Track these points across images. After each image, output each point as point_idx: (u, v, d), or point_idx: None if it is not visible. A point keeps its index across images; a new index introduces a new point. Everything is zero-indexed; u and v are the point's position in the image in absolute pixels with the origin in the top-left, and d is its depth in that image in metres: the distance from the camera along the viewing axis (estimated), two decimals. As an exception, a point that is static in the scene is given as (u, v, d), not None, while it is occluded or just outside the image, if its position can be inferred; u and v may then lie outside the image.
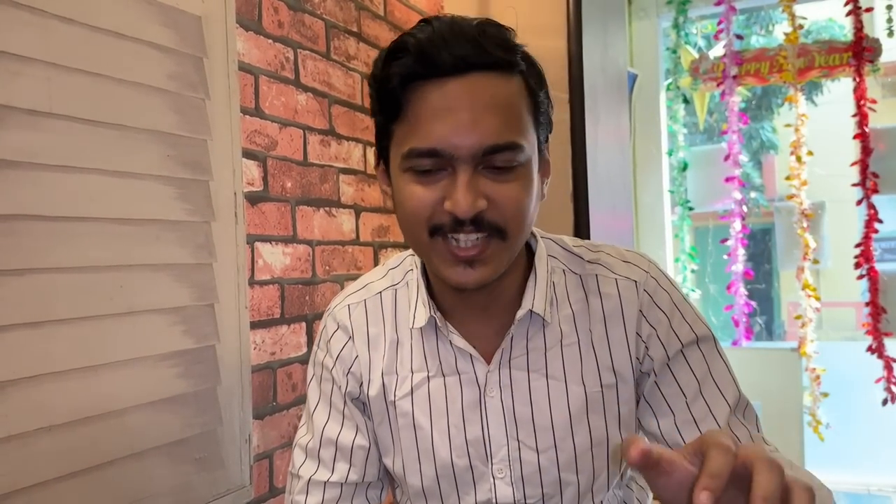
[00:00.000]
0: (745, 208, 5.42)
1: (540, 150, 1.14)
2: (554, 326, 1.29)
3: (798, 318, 5.29)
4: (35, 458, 1.45)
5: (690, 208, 5.53)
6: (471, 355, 1.29)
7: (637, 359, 1.28)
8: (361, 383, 1.37)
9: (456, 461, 1.31)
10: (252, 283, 2.05)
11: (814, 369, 5.36)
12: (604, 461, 1.30)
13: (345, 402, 1.37)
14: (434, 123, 1.03)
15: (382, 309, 1.39)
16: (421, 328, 1.32)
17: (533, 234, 1.34)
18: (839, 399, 5.55)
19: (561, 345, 1.28)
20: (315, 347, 1.44)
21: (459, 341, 1.29)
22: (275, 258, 2.15)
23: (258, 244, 2.09)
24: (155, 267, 1.73)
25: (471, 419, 1.30)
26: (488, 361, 1.29)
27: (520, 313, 1.25)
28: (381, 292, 1.40)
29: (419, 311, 1.32)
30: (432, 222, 1.12)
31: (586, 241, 1.40)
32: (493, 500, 1.30)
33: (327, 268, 2.39)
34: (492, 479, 1.30)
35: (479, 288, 1.18)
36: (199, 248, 1.84)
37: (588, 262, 1.34)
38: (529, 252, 1.34)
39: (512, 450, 1.29)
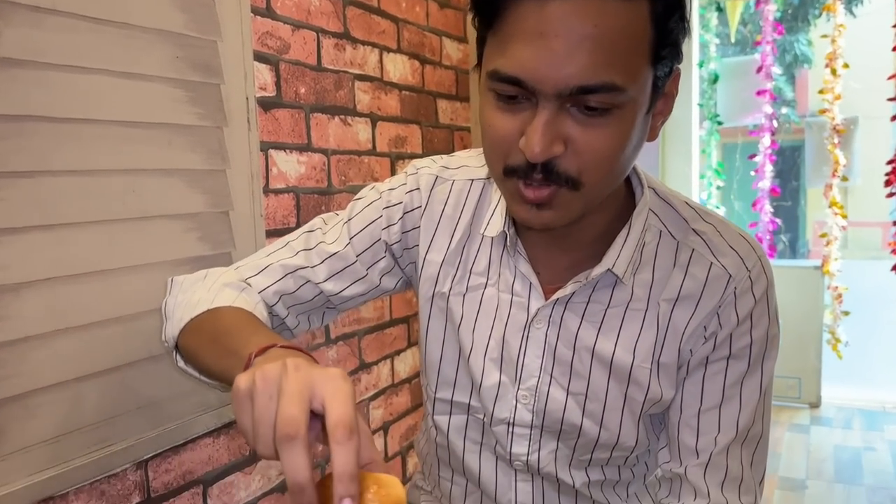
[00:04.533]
0: (775, 123, 5.27)
1: (656, 87, 0.99)
2: (627, 287, 1.22)
3: (823, 236, 5.22)
4: (53, 359, 1.47)
5: (719, 122, 5.38)
6: (530, 283, 1.25)
7: (689, 350, 1.23)
8: (410, 254, 1.35)
9: (486, 373, 1.31)
10: (267, 191, 2.03)
11: (836, 288, 5.32)
12: (631, 431, 1.27)
13: (371, 244, 1.34)
14: (523, 48, 0.90)
15: (467, 198, 1.33)
16: (492, 237, 1.29)
17: (640, 180, 1.24)
18: (859, 318, 5.51)
19: (626, 307, 1.22)
20: (382, 185, 1.39)
21: (524, 266, 1.25)
22: (289, 166, 2.12)
23: (272, 152, 2.05)
24: (167, 172, 1.70)
25: (511, 341, 1.29)
26: (547, 294, 1.25)
27: (597, 270, 1.19)
28: (472, 181, 1.33)
29: (495, 219, 1.27)
30: (507, 163, 1.04)
31: (700, 205, 1.29)
32: (511, 420, 1.30)
33: (343, 178, 2.36)
34: (514, 402, 1.29)
35: (545, 230, 1.13)
36: (212, 153, 1.81)
37: (693, 230, 1.23)
38: (631, 198, 1.24)
39: (542, 382, 1.28)
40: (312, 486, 0.78)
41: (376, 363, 2.64)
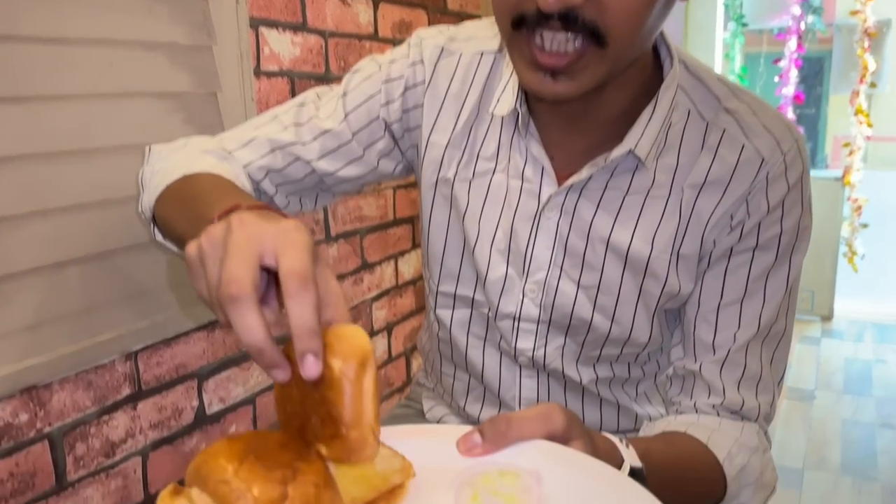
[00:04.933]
0: (802, 26, 5.00)
1: None
2: (648, 172, 1.10)
3: (846, 145, 5.04)
4: (28, 242, 1.38)
5: (744, 24, 5.12)
6: (542, 168, 1.14)
7: (713, 240, 1.13)
8: (411, 135, 1.24)
9: (492, 265, 1.22)
10: (258, 73, 1.89)
11: (856, 199, 5.17)
12: (644, 326, 1.19)
13: (368, 122, 1.23)
14: None
15: (476, 74, 1.20)
16: (502, 117, 1.17)
17: (669, 50, 1.11)
18: (878, 231, 5.39)
19: (647, 194, 1.11)
20: (382, 57, 1.26)
21: (536, 149, 1.13)
22: (283, 47, 1.97)
23: (263, 29, 1.90)
24: (147, 45, 1.57)
25: (520, 231, 1.19)
26: (560, 179, 1.14)
27: (618, 151, 1.07)
28: (482, 53, 1.20)
29: (506, 96, 1.15)
30: (517, 11, 0.93)
31: (734, 83, 1.16)
32: (517, 315, 1.23)
33: (342, 63, 2.21)
34: (521, 296, 1.21)
35: (559, 102, 1.01)
36: (196, 27, 1.67)
37: (725, 109, 1.11)
38: (658, 72, 1.12)
39: (551, 276, 1.19)
40: (272, 345, 0.71)
41: (379, 263, 2.55)
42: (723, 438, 1.12)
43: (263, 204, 0.86)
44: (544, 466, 0.88)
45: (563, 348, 1.23)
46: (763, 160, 1.08)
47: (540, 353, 1.24)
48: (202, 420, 1.81)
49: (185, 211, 1.00)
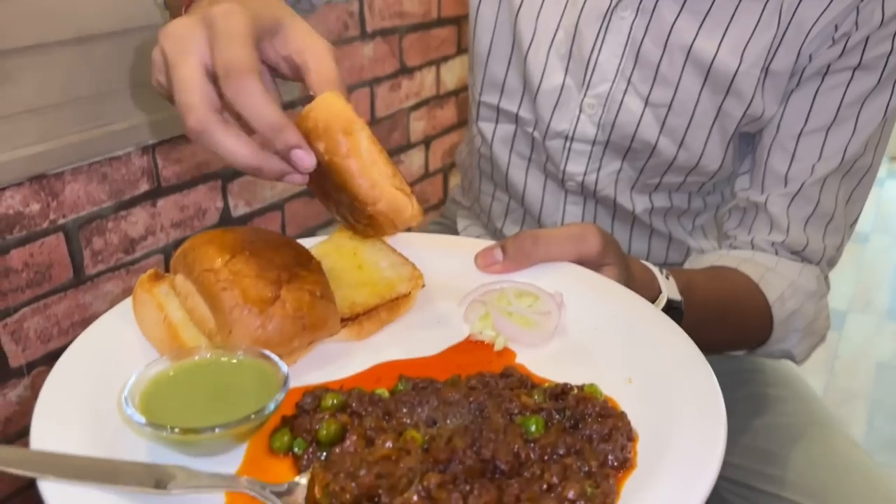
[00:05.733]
0: None
1: None
2: None
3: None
4: (29, 16, 1.26)
5: None
6: None
7: (809, 55, 0.97)
8: None
9: (548, 72, 1.08)
10: None
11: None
12: (716, 153, 1.05)
13: None
14: None
15: None
16: None
17: None
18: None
19: None
20: None
21: None
22: None
23: None
24: None
25: (585, 32, 1.04)
26: None
27: None
28: None
29: None
30: None
31: None
32: (570, 134, 1.10)
33: None
34: (578, 111, 1.08)
35: None
36: None
37: None
38: None
39: (616, 89, 1.05)
40: (263, 157, 0.62)
41: (419, 69, 2.37)
42: (777, 279, 1.02)
43: None
44: (569, 291, 0.78)
45: (619, 174, 1.11)
46: None
47: (591, 177, 1.12)
48: (227, 222, 1.75)
49: None
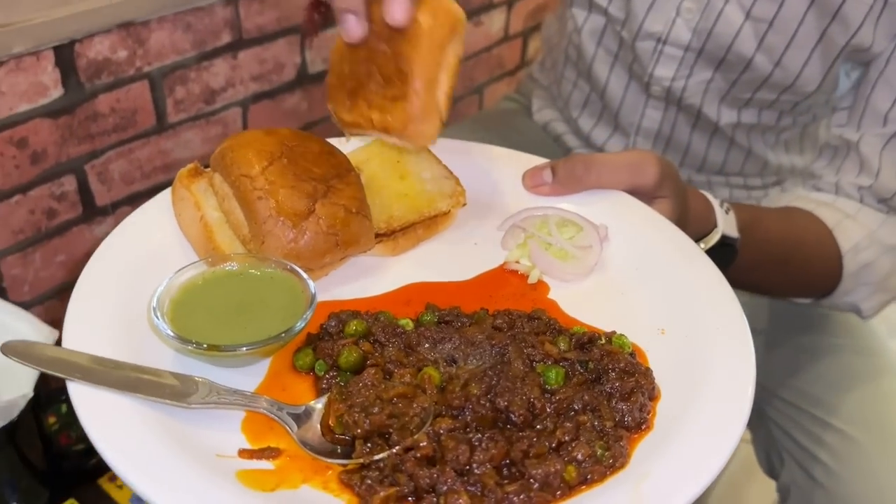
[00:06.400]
0: None
1: None
2: None
3: None
4: None
5: None
6: None
7: None
8: None
9: None
10: None
11: None
12: (814, 76, 0.98)
13: None
14: None
15: None
16: None
17: None
18: None
19: None
20: None
21: None
22: None
23: None
24: None
25: None
26: None
27: None
28: None
29: None
30: None
31: None
32: (663, 37, 1.04)
33: None
34: (674, 14, 1.02)
35: None
36: None
37: None
38: None
39: None
40: None
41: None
42: (855, 227, 0.95)
43: None
44: (615, 224, 0.75)
45: (709, 84, 1.05)
46: None
47: (679, 84, 1.06)
48: (303, 79, 1.73)
49: None
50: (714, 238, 0.84)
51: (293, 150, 0.69)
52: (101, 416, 0.53)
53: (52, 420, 1.19)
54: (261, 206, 0.65)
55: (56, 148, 1.30)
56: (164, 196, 0.74)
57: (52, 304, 1.39)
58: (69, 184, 1.35)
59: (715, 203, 0.85)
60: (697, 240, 0.84)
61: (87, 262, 1.32)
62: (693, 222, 0.83)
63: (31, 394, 0.90)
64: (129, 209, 1.42)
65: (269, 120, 1.68)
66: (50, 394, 1.20)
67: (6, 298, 1.29)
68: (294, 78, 1.68)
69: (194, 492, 0.49)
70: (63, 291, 1.40)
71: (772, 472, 1.12)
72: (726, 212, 0.85)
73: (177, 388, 0.55)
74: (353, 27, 0.63)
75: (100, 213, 1.43)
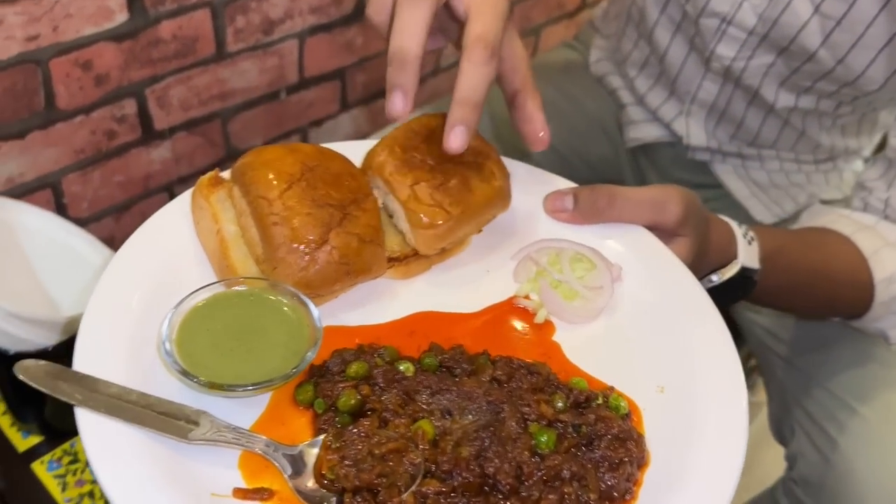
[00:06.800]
0: None
1: None
2: None
3: None
4: None
5: None
6: None
7: None
8: None
9: None
10: None
11: None
12: (878, 75, 0.96)
13: None
14: None
15: None
16: None
17: None
18: None
19: None
20: None
21: None
22: None
23: None
24: None
25: None
26: None
27: None
28: None
29: None
30: None
31: None
32: (728, 18, 1.02)
33: None
34: None
35: None
36: None
37: None
38: None
39: None
40: (417, 60, 0.63)
41: None
42: (893, 257, 0.93)
43: None
44: (630, 266, 0.74)
45: (770, 68, 1.03)
46: None
47: (740, 64, 1.05)
48: (361, 13, 1.66)
49: None
50: (732, 270, 0.83)
51: (313, 172, 0.68)
52: (104, 444, 0.55)
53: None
54: (276, 232, 0.64)
55: (119, 72, 1.33)
56: (184, 199, 0.74)
57: (107, 222, 1.45)
58: (129, 107, 1.38)
59: (738, 233, 0.84)
60: (715, 270, 0.83)
61: (143, 183, 1.33)
62: (713, 253, 0.81)
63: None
64: (185, 134, 1.44)
65: (325, 54, 1.64)
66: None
67: (66, 214, 1.33)
68: (351, 12, 1.65)
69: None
70: (119, 210, 1.45)
71: (782, 439, 1.15)
72: (749, 242, 0.84)
73: (180, 423, 0.57)
74: (397, 105, 0.63)
75: (157, 136, 1.46)
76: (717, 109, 1.13)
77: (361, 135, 1.77)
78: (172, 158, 1.46)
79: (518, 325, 0.70)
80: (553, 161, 1.24)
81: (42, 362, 0.57)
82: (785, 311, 1.08)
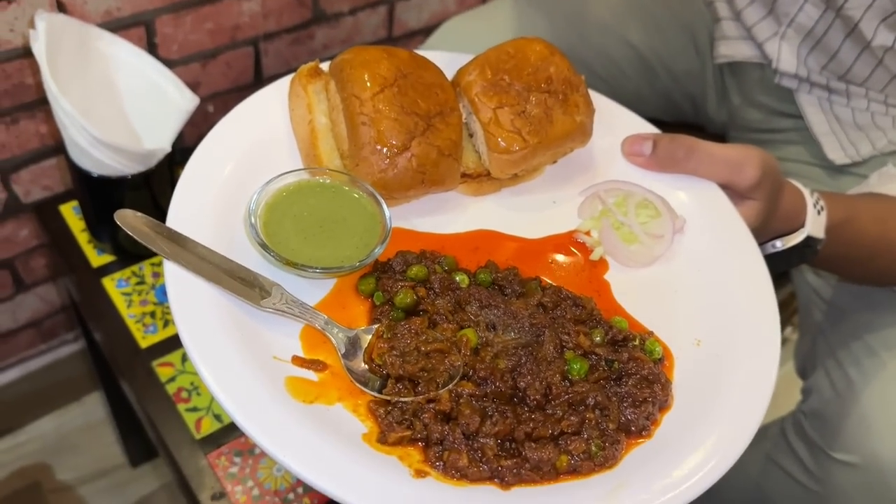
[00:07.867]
0: None
1: None
2: None
3: None
4: None
5: None
6: None
7: None
8: None
9: None
10: None
11: None
12: None
13: None
14: None
15: None
16: None
17: None
18: None
19: None
20: None
21: None
22: None
23: None
24: None
25: None
26: None
27: None
28: None
29: None
30: None
31: None
32: None
33: None
34: None
35: None
36: None
37: None
38: None
39: None
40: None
41: None
42: None
43: None
44: (695, 220, 0.76)
45: (876, 1, 0.99)
46: None
47: None
48: None
49: None
50: (797, 238, 0.83)
51: (406, 79, 0.71)
52: (185, 297, 0.62)
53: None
54: (363, 132, 0.68)
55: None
56: (282, 84, 0.77)
57: (194, 67, 1.45)
58: (226, -43, 1.34)
59: (809, 202, 0.84)
60: (780, 236, 0.84)
61: (231, 34, 1.32)
62: (780, 220, 0.82)
63: (168, 149, 1.00)
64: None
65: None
66: (184, 151, 1.31)
67: (156, 54, 1.36)
68: None
69: (247, 390, 0.57)
70: (206, 58, 1.44)
71: (803, 373, 1.17)
72: (818, 212, 0.84)
73: (254, 290, 0.63)
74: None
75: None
76: (812, 37, 1.09)
77: (448, 13, 1.72)
78: (261, 13, 1.45)
79: (574, 258, 0.74)
80: (636, 66, 1.23)
81: (140, 214, 0.63)
82: (842, 278, 1.06)
